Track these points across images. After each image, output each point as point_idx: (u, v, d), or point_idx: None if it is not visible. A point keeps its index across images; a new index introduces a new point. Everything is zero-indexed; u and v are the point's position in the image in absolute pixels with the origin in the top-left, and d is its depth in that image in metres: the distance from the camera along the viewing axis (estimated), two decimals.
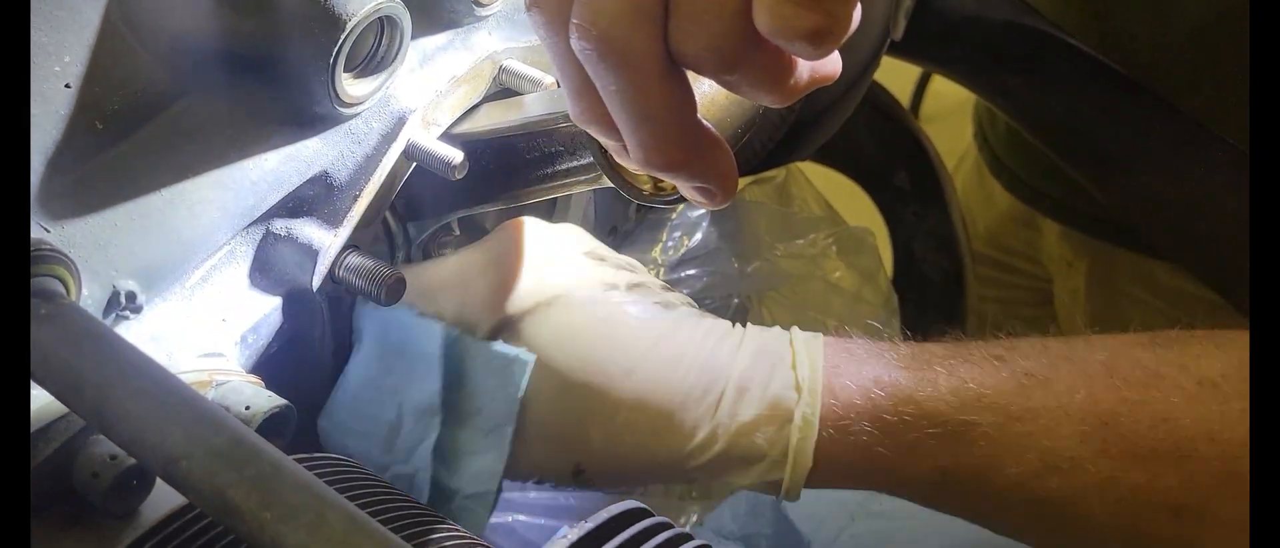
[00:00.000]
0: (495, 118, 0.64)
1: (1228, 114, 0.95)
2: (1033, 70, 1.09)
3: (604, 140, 0.48)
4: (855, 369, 0.62)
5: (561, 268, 0.65)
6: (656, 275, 0.95)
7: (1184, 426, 0.59)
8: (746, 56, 0.43)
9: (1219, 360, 0.62)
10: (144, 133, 0.55)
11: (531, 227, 0.66)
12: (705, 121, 0.47)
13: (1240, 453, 0.58)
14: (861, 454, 0.61)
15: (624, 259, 0.69)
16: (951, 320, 1.32)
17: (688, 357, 0.63)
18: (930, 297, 1.31)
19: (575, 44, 0.44)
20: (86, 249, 0.50)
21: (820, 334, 0.65)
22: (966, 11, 1.07)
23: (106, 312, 0.51)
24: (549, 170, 0.66)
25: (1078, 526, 0.61)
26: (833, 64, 0.46)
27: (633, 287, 0.66)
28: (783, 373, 0.62)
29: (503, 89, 0.67)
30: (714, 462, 0.62)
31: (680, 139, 0.46)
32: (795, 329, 0.65)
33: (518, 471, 0.63)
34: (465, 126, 0.65)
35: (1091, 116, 1.07)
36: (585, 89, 0.46)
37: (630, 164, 0.49)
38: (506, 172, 0.67)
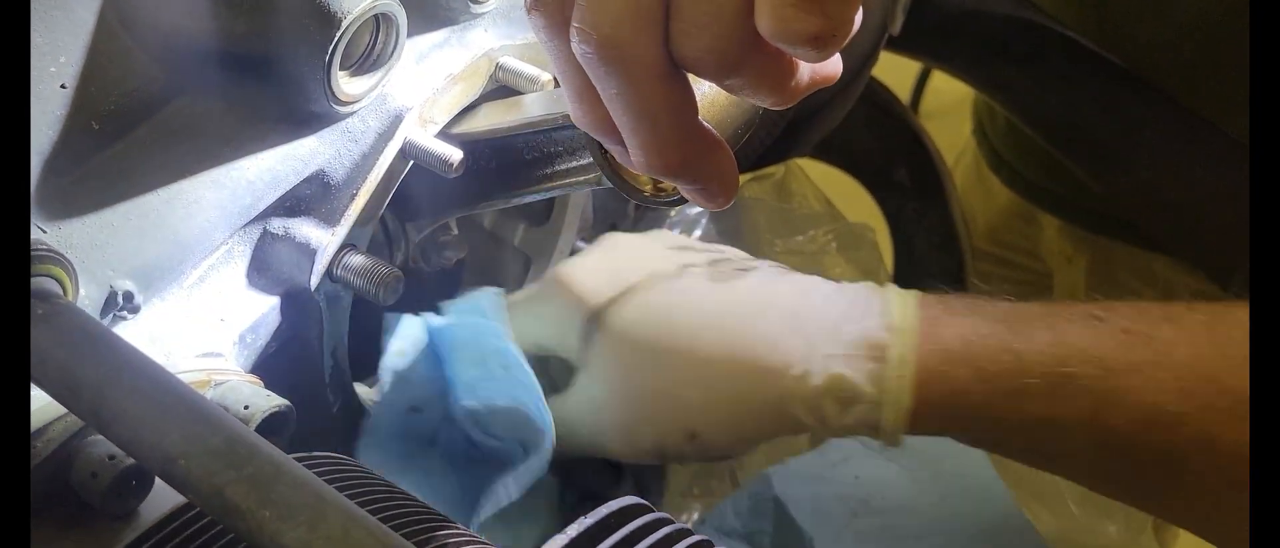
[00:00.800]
0: (495, 118, 0.64)
1: (1228, 109, 0.95)
2: (1032, 64, 1.09)
3: (604, 142, 0.48)
4: (952, 319, 0.63)
5: (640, 262, 0.68)
6: None
7: None
8: (747, 59, 0.43)
9: None
10: (140, 133, 0.55)
11: (617, 237, 0.70)
12: (705, 123, 0.47)
13: None
14: (961, 400, 0.61)
15: (712, 246, 0.71)
16: None
17: (774, 304, 0.64)
18: (933, 287, 1.31)
19: (576, 47, 0.44)
20: (83, 249, 0.50)
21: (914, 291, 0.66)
22: (965, 6, 1.07)
23: (104, 312, 0.51)
24: (548, 170, 0.66)
25: (1180, 481, 0.61)
26: (833, 65, 0.46)
27: (714, 262, 0.68)
28: (875, 316, 0.63)
29: (500, 86, 0.67)
30: (813, 399, 0.62)
31: (680, 142, 0.46)
32: (890, 284, 0.66)
33: (641, 445, 0.66)
34: (464, 126, 0.65)
35: (1090, 111, 1.07)
36: (586, 92, 0.46)
37: (630, 165, 0.49)
38: (506, 171, 0.67)
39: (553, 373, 0.69)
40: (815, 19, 0.40)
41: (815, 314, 0.64)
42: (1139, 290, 1.33)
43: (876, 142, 1.30)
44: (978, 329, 0.62)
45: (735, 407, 0.64)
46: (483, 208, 0.70)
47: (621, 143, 0.47)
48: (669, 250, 0.69)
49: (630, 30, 0.42)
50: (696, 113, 0.46)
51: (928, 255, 1.31)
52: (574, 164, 0.64)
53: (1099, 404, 0.60)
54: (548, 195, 0.68)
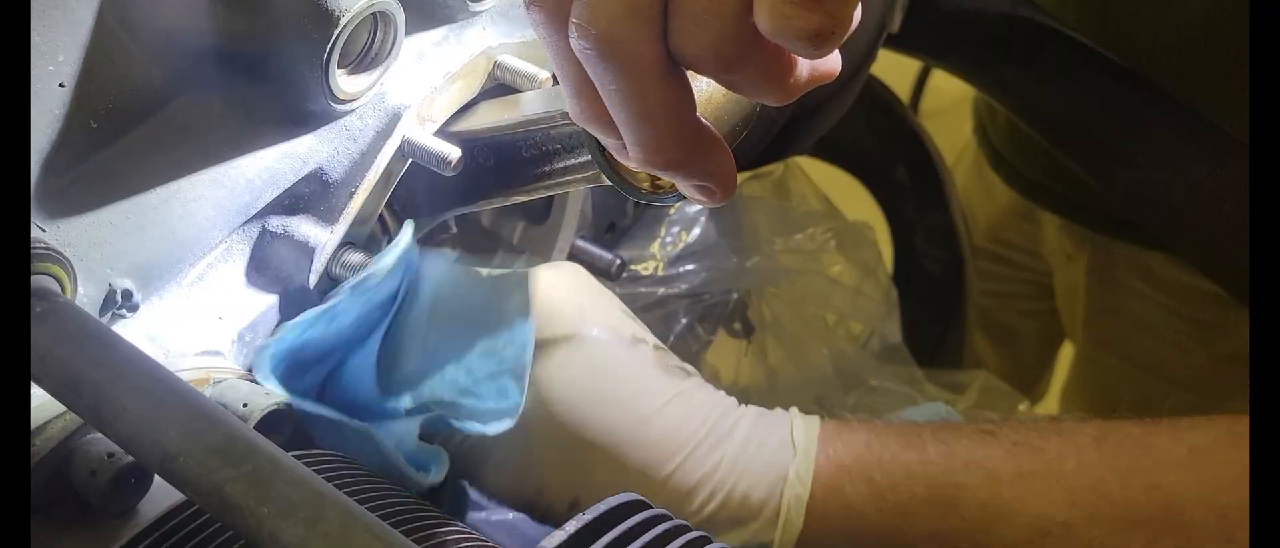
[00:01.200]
0: (493, 116, 0.64)
1: (1229, 108, 0.95)
2: (1032, 62, 1.09)
3: (603, 139, 0.48)
4: (848, 435, 0.65)
5: (601, 312, 0.67)
6: (655, 271, 0.96)
7: (1177, 491, 0.60)
8: (746, 56, 0.43)
9: (1209, 431, 0.63)
10: (139, 132, 0.55)
11: (579, 273, 0.69)
12: (704, 120, 0.47)
13: (1239, 518, 0.58)
14: (852, 517, 0.63)
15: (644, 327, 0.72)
16: (952, 315, 1.32)
17: (698, 417, 0.65)
18: (930, 291, 1.31)
19: (575, 44, 0.44)
20: (82, 248, 0.50)
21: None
22: (964, 4, 1.07)
23: (103, 310, 0.51)
24: (547, 168, 0.66)
25: None
26: (832, 62, 0.46)
27: (657, 348, 0.68)
28: (780, 435, 0.65)
29: (498, 84, 0.67)
30: (709, 518, 0.63)
31: (679, 138, 0.46)
32: (794, 408, 0.68)
33: (523, 491, 0.64)
34: (463, 125, 0.65)
35: (1090, 108, 1.07)
36: (584, 88, 0.46)
37: (629, 162, 0.49)
38: (504, 169, 0.67)
39: None
40: (815, 16, 0.40)
41: (727, 433, 0.65)
42: (1140, 288, 1.33)
43: (876, 140, 1.30)
44: (871, 443, 0.64)
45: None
46: (481, 206, 0.69)
47: (619, 139, 0.47)
48: (622, 313, 0.68)
49: (629, 27, 0.42)
50: (694, 109, 0.46)
51: (927, 253, 1.31)
52: (572, 162, 0.64)
53: (988, 517, 0.61)
54: (546, 193, 0.67)
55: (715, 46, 0.42)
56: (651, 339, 0.68)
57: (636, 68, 0.43)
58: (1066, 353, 1.62)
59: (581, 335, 0.65)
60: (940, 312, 1.31)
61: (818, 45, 0.41)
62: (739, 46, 0.42)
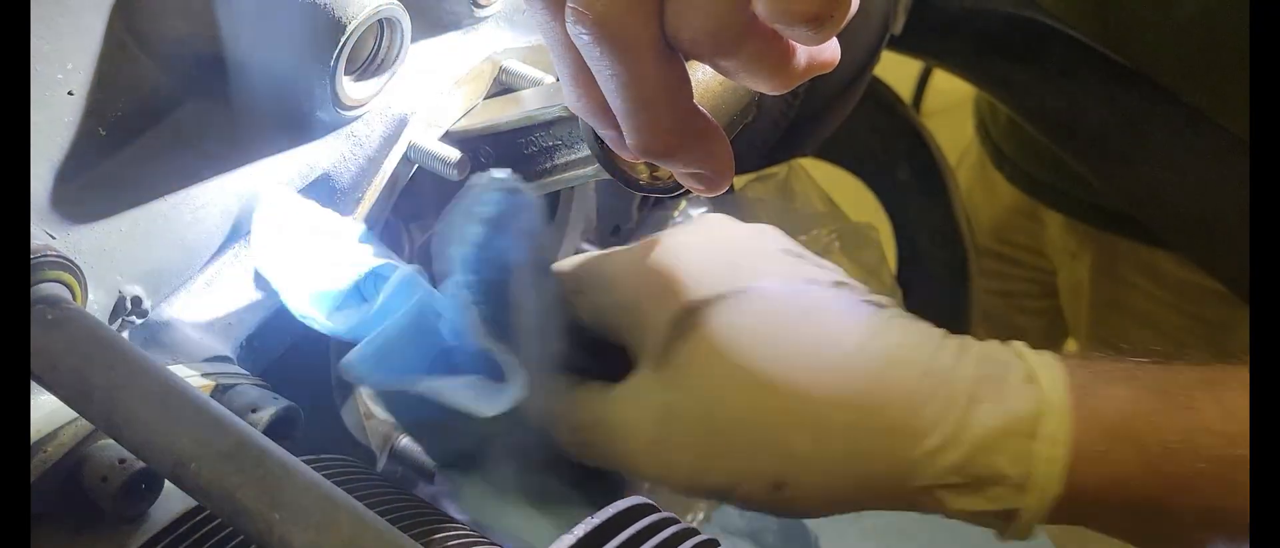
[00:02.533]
0: (492, 114, 0.65)
1: (1230, 106, 0.95)
2: (1033, 62, 1.09)
3: (599, 130, 0.48)
4: (1105, 389, 0.53)
5: (756, 259, 0.58)
6: None
7: None
8: (743, 41, 0.43)
9: None
10: (147, 138, 0.56)
11: (724, 220, 0.61)
12: (701, 108, 0.47)
13: None
14: (1117, 487, 0.52)
15: (827, 263, 0.60)
16: (956, 315, 1.32)
17: (906, 357, 0.54)
18: (935, 291, 1.31)
19: (571, 28, 0.43)
20: (92, 255, 0.51)
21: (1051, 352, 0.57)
22: (966, 4, 1.07)
23: (113, 317, 0.52)
24: (548, 164, 0.66)
25: None
26: (831, 51, 0.45)
27: (837, 284, 0.58)
28: (1018, 384, 0.54)
29: (503, 89, 0.67)
30: (945, 476, 0.53)
31: (675, 124, 0.46)
32: (1020, 343, 0.57)
33: (710, 480, 0.56)
34: (463, 124, 0.65)
35: (1092, 107, 1.07)
36: (581, 75, 0.46)
37: (626, 153, 0.49)
38: (505, 167, 0.67)
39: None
40: (815, 1, 0.40)
41: (949, 373, 0.54)
42: (1144, 286, 1.34)
43: (879, 140, 1.30)
44: (1138, 401, 0.53)
45: (845, 467, 0.53)
46: None
47: (616, 130, 0.47)
48: (785, 254, 0.59)
49: (625, 10, 0.42)
50: (691, 96, 0.46)
51: (931, 254, 1.32)
52: (573, 157, 0.64)
53: None
54: (548, 189, 0.68)
55: (712, 30, 0.42)
56: (828, 275, 0.59)
57: (633, 51, 0.43)
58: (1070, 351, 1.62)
59: (740, 295, 0.56)
60: (944, 312, 1.31)
61: (816, 29, 0.40)
62: (736, 31, 0.42)
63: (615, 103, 0.45)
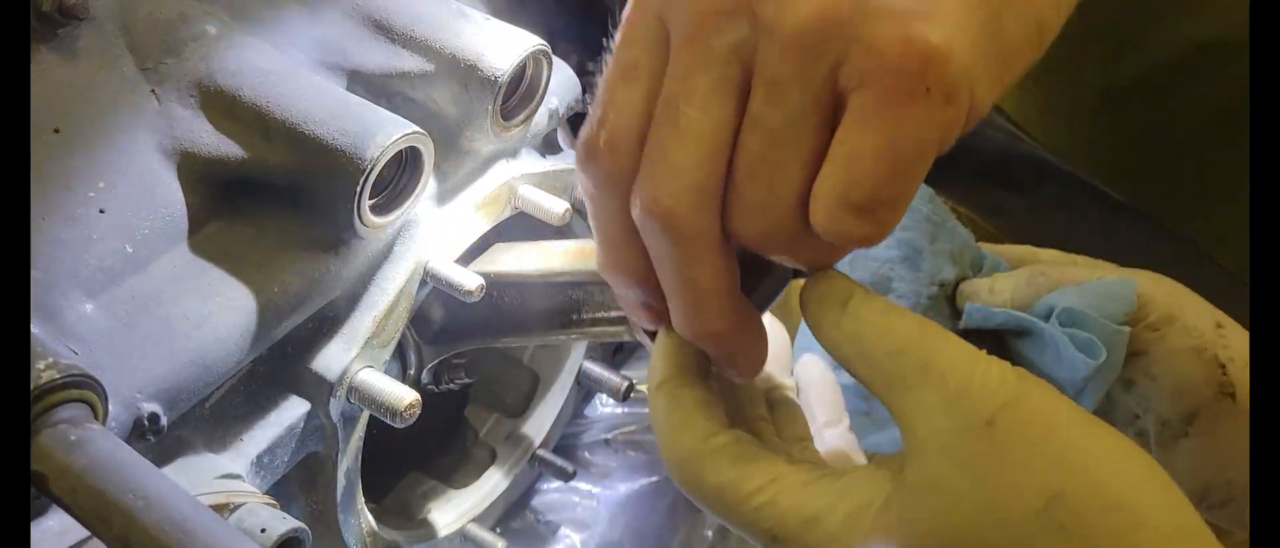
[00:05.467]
0: (521, 261, 0.67)
1: (1225, 237, 0.97)
2: (1030, 192, 1.11)
3: (625, 292, 0.50)
4: None
5: None
6: None
7: None
8: (796, 242, 0.45)
9: None
10: (172, 255, 0.57)
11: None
12: (745, 299, 0.49)
13: None
14: None
15: None
16: None
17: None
18: None
19: (637, 214, 0.45)
20: (113, 372, 0.51)
21: None
22: (962, 139, 1.10)
23: (131, 435, 0.52)
24: (575, 318, 0.68)
25: None
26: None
27: None
28: None
29: (518, 212, 0.69)
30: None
31: (721, 309, 0.47)
32: None
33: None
34: (493, 266, 0.67)
35: (1090, 238, 1.08)
36: (622, 245, 0.48)
37: (653, 319, 0.50)
38: (528, 313, 0.69)
39: None
40: (868, 225, 0.42)
41: None
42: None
43: None
44: None
45: None
46: (503, 343, 0.71)
47: (655, 295, 0.48)
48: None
49: (693, 206, 0.44)
50: (738, 285, 0.47)
51: None
52: (600, 315, 0.67)
53: None
54: (569, 340, 0.70)
55: (769, 232, 0.45)
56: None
57: (694, 243, 0.45)
58: None
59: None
60: None
61: (866, 246, 0.43)
62: (791, 234, 0.45)
63: (668, 281, 0.47)
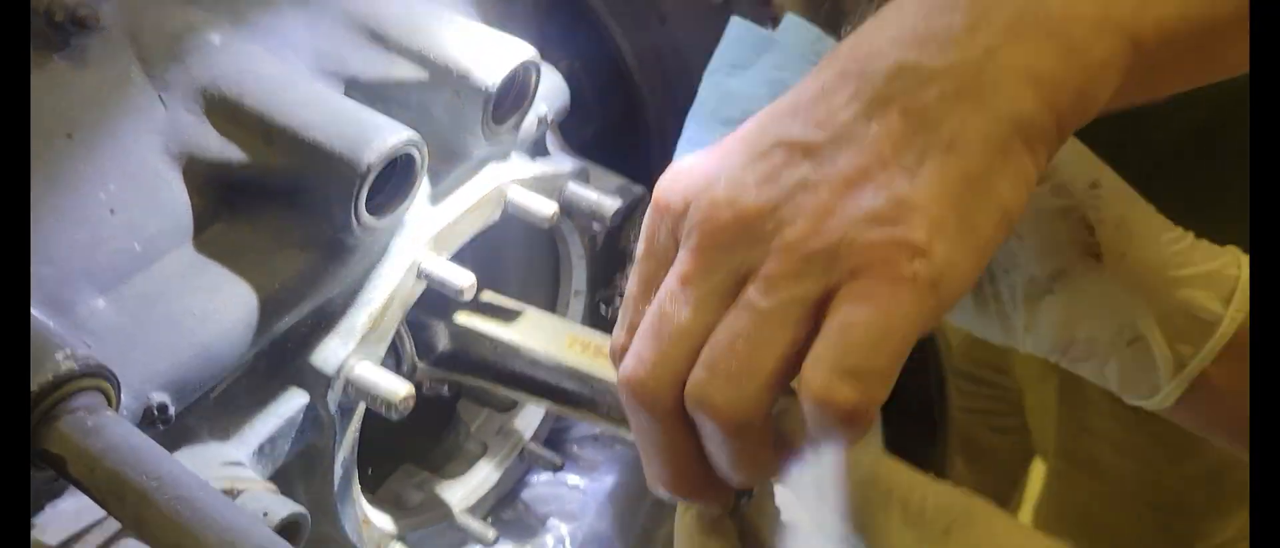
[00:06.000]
0: (536, 338, 0.72)
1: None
2: None
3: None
4: None
5: None
6: None
7: None
8: (756, 428, 0.48)
9: None
10: (179, 254, 0.60)
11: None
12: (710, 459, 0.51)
13: None
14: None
15: None
16: (934, 432, 1.36)
17: None
18: (912, 409, 1.34)
19: (619, 385, 0.50)
20: (124, 364, 0.54)
21: None
22: None
23: (142, 422, 0.55)
24: (580, 408, 0.73)
25: None
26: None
27: None
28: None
29: (508, 214, 0.72)
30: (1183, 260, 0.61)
31: (679, 475, 0.51)
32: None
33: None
34: (506, 336, 0.73)
35: None
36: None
37: None
38: (535, 383, 0.74)
39: None
40: (857, 392, 0.45)
41: None
42: (1107, 407, 1.37)
43: None
44: None
45: None
46: (505, 393, 0.75)
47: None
48: None
49: (655, 379, 0.48)
50: (700, 451, 0.50)
51: (910, 372, 1.35)
52: (608, 415, 0.71)
53: None
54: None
55: (737, 405, 0.47)
56: None
57: (655, 413, 0.49)
58: (1037, 473, 1.65)
59: None
60: (924, 429, 1.34)
61: (845, 429, 0.45)
62: (756, 410, 0.47)
63: (639, 444, 0.52)
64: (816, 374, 0.45)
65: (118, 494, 0.47)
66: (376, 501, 0.78)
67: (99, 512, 0.51)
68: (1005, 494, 1.69)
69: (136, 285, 0.58)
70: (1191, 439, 1.32)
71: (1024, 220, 0.62)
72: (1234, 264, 0.61)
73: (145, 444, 0.49)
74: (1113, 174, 0.63)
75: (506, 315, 0.75)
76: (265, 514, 0.56)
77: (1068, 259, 0.62)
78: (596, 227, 0.79)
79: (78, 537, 0.51)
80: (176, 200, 0.60)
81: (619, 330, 0.52)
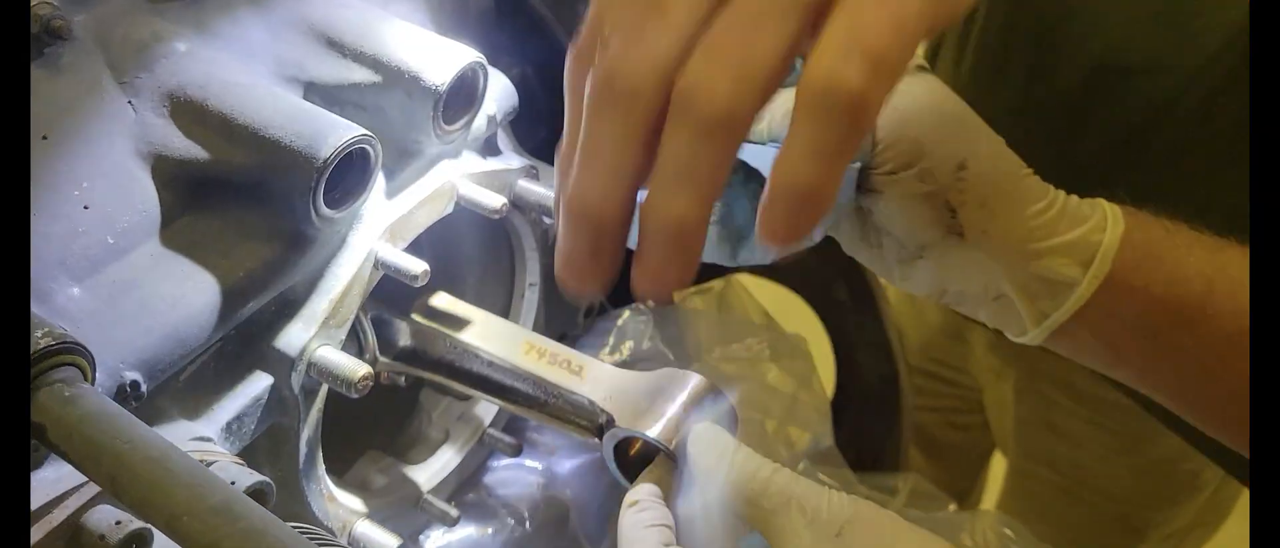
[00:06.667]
0: (490, 339, 0.76)
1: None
2: None
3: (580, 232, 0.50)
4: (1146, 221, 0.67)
5: None
6: None
7: None
8: (745, 121, 0.45)
9: None
10: (148, 246, 0.64)
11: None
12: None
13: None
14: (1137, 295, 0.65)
15: None
16: (891, 424, 1.40)
17: None
18: (871, 402, 1.38)
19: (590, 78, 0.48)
20: (99, 344, 0.58)
21: None
22: None
23: (115, 398, 0.59)
24: (536, 409, 0.76)
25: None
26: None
27: None
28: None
29: (461, 208, 0.76)
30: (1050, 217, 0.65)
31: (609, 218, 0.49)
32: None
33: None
34: (463, 336, 0.77)
35: None
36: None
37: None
38: (490, 383, 0.78)
39: None
40: (868, 79, 0.42)
41: None
42: (1063, 403, 1.42)
43: (817, 260, 1.39)
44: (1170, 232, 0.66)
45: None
46: (463, 390, 0.79)
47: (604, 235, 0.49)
48: None
49: (637, 70, 0.46)
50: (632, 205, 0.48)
51: (866, 366, 1.39)
52: (565, 419, 0.75)
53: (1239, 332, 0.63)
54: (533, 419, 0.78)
55: (736, 91, 0.43)
56: None
57: (631, 112, 0.46)
58: (997, 466, 1.69)
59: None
60: (881, 422, 1.38)
61: (849, 117, 0.42)
62: (758, 98, 0.44)
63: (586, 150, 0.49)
64: (822, 58, 0.42)
65: (93, 457, 0.51)
66: (344, 484, 0.82)
67: (77, 479, 0.55)
68: (965, 489, 1.73)
69: (110, 274, 0.62)
70: (1143, 432, 1.37)
71: (888, 202, 0.67)
72: (1099, 229, 0.66)
73: (119, 412, 0.53)
74: (991, 146, 0.67)
75: (462, 323, 0.79)
76: (232, 483, 0.60)
77: (932, 237, 0.67)
78: (547, 221, 0.84)
79: (57, 500, 0.55)
80: (146, 196, 0.64)
81: (585, 30, 0.49)
